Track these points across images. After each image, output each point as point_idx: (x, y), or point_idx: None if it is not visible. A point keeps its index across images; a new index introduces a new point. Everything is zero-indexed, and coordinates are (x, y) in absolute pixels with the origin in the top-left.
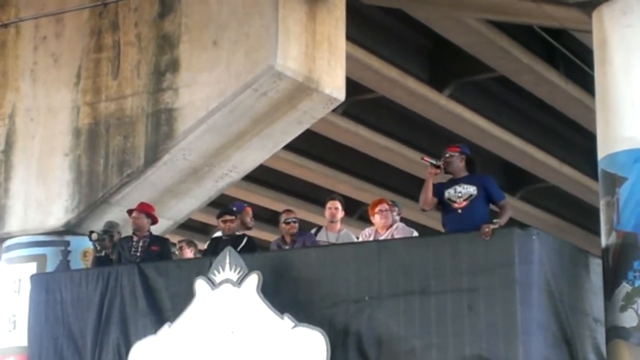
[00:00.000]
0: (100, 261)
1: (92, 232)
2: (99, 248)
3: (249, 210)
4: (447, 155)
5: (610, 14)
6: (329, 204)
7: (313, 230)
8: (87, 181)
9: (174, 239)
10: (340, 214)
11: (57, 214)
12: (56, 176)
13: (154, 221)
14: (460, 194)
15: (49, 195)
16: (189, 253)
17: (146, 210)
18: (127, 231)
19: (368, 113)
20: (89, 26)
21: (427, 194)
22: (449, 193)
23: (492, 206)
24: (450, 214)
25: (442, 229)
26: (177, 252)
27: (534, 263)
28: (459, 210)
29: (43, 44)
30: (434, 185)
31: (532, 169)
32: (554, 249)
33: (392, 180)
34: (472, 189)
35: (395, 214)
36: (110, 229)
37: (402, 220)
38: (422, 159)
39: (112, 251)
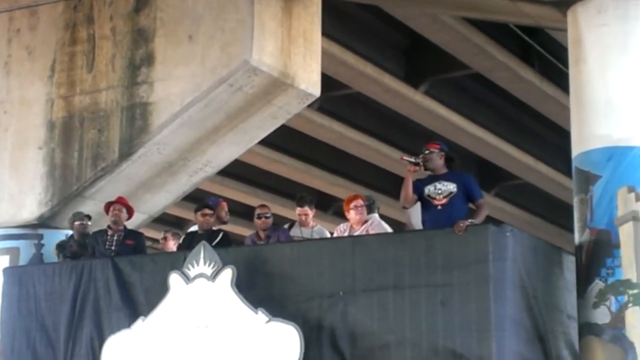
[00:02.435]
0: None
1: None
2: (68, 255)
3: (224, 204)
4: (427, 151)
5: (585, 13)
6: (299, 211)
7: (286, 226)
8: (61, 174)
9: (149, 233)
10: (311, 215)
11: (31, 207)
12: (30, 169)
13: (131, 215)
14: (440, 191)
15: (22, 188)
16: (172, 245)
17: (126, 204)
18: (100, 225)
19: (343, 109)
20: (63, 19)
21: (408, 192)
22: (429, 190)
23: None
24: (429, 211)
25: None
26: (160, 242)
27: (508, 260)
28: (439, 207)
29: (17, 37)
30: (413, 182)
31: (506, 166)
32: (528, 246)
33: (367, 176)
34: (452, 186)
35: (375, 211)
36: (82, 217)
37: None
38: (402, 158)
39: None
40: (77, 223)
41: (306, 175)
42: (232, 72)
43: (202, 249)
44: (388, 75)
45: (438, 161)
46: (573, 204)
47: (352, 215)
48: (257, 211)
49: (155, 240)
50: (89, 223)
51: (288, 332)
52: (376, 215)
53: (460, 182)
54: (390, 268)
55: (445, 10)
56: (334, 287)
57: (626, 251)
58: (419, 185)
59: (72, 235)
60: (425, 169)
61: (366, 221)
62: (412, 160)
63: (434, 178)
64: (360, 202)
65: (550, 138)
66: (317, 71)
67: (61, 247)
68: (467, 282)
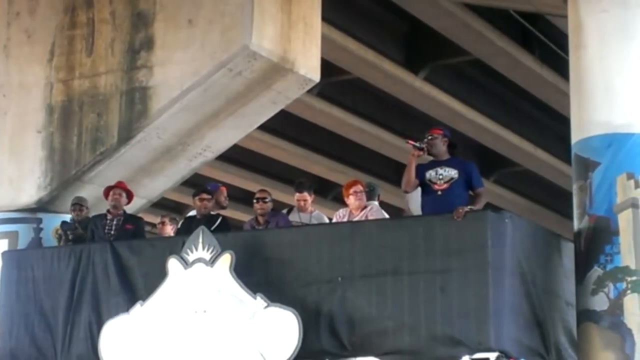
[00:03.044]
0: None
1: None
2: (71, 237)
3: (224, 190)
4: (430, 137)
5: None
6: (297, 196)
7: (284, 211)
8: (60, 159)
9: (147, 217)
10: (309, 200)
11: (30, 191)
12: (29, 153)
13: (130, 199)
14: (441, 176)
15: (21, 172)
16: (169, 230)
17: (126, 188)
18: (98, 209)
19: (343, 94)
20: (63, 2)
21: (410, 175)
22: (430, 174)
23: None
24: (429, 196)
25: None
26: (157, 227)
27: (507, 246)
28: (439, 192)
29: (16, 20)
30: (416, 166)
31: (506, 152)
32: (527, 233)
33: (366, 161)
34: (453, 172)
35: (375, 197)
36: (80, 202)
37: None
38: (407, 142)
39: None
40: (72, 211)
41: (305, 161)
42: (232, 57)
43: (200, 234)
44: (388, 61)
45: (441, 147)
46: (572, 190)
47: (351, 200)
48: (257, 195)
49: (154, 225)
50: (84, 210)
51: (286, 318)
52: (376, 202)
53: (462, 168)
54: (389, 254)
55: None
56: (332, 273)
57: (625, 238)
58: (420, 170)
59: (72, 219)
60: (429, 154)
61: (365, 207)
62: (417, 145)
63: (436, 163)
64: (359, 187)
65: (550, 125)
66: (317, 56)
67: (66, 224)
68: (466, 268)
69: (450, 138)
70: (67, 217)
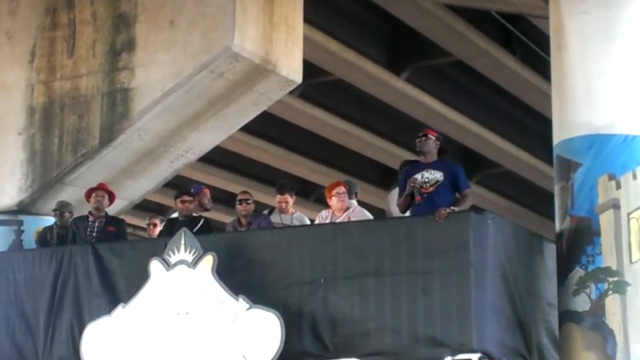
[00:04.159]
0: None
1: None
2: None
3: (207, 192)
4: (423, 136)
5: (567, 0)
6: (279, 198)
7: (265, 212)
8: (41, 160)
9: (130, 220)
10: (291, 202)
11: (11, 193)
12: (10, 155)
13: (112, 201)
14: (427, 180)
15: (2, 174)
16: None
17: (107, 190)
18: (80, 212)
19: (325, 96)
20: (43, 3)
21: (405, 204)
22: (416, 179)
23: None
24: (414, 200)
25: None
26: (149, 228)
27: (489, 247)
28: (425, 195)
29: None
30: (405, 170)
31: (488, 153)
32: (509, 234)
33: (348, 163)
34: (438, 175)
35: (353, 195)
36: (61, 208)
37: (358, 203)
38: (412, 185)
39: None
40: (54, 216)
41: (287, 162)
42: (214, 58)
43: (182, 236)
44: (370, 62)
45: (432, 148)
46: (554, 191)
47: (334, 202)
48: (239, 197)
49: (137, 227)
50: (66, 214)
51: (269, 319)
52: (354, 201)
53: (448, 170)
54: (371, 255)
55: None
56: (314, 274)
57: (606, 239)
58: (408, 174)
59: (55, 223)
60: (419, 152)
61: (348, 208)
62: (417, 189)
63: (423, 166)
64: (342, 189)
65: (532, 126)
66: (299, 58)
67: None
68: (448, 269)
69: (443, 142)
70: (49, 220)
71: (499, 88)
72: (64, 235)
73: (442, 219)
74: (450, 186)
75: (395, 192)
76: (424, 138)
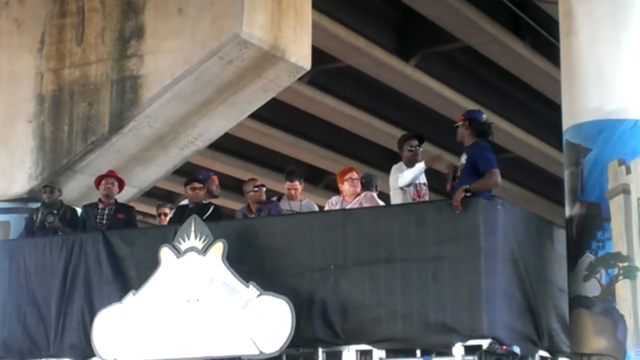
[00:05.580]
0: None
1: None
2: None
3: (215, 178)
4: (455, 126)
5: None
6: (288, 185)
7: (274, 198)
8: (51, 148)
9: (139, 207)
10: (300, 189)
11: (21, 181)
12: (20, 143)
13: (122, 188)
14: (461, 165)
15: (12, 162)
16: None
17: (117, 177)
18: (90, 199)
19: (334, 82)
20: None
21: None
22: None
23: None
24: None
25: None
26: (160, 217)
27: (499, 233)
28: (456, 181)
29: (6, 10)
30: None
31: (497, 139)
32: (519, 219)
33: (358, 149)
34: (463, 159)
35: (374, 188)
36: (52, 184)
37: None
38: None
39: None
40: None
41: (296, 149)
42: (223, 45)
43: (192, 223)
44: (379, 49)
45: (464, 132)
46: (564, 177)
47: (346, 187)
48: (249, 185)
49: (146, 214)
50: (55, 192)
51: (279, 306)
52: (374, 193)
53: (471, 152)
54: (382, 241)
55: None
56: (325, 261)
57: (616, 224)
58: None
59: (42, 204)
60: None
61: (359, 194)
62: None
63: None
64: (355, 174)
65: (541, 111)
66: (308, 44)
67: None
68: (458, 256)
69: (474, 120)
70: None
71: (508, 74)
72: (50, 214)
73: (458, 210)
74: (471, 168)
75: (399, 165)
76: (456, 127)
